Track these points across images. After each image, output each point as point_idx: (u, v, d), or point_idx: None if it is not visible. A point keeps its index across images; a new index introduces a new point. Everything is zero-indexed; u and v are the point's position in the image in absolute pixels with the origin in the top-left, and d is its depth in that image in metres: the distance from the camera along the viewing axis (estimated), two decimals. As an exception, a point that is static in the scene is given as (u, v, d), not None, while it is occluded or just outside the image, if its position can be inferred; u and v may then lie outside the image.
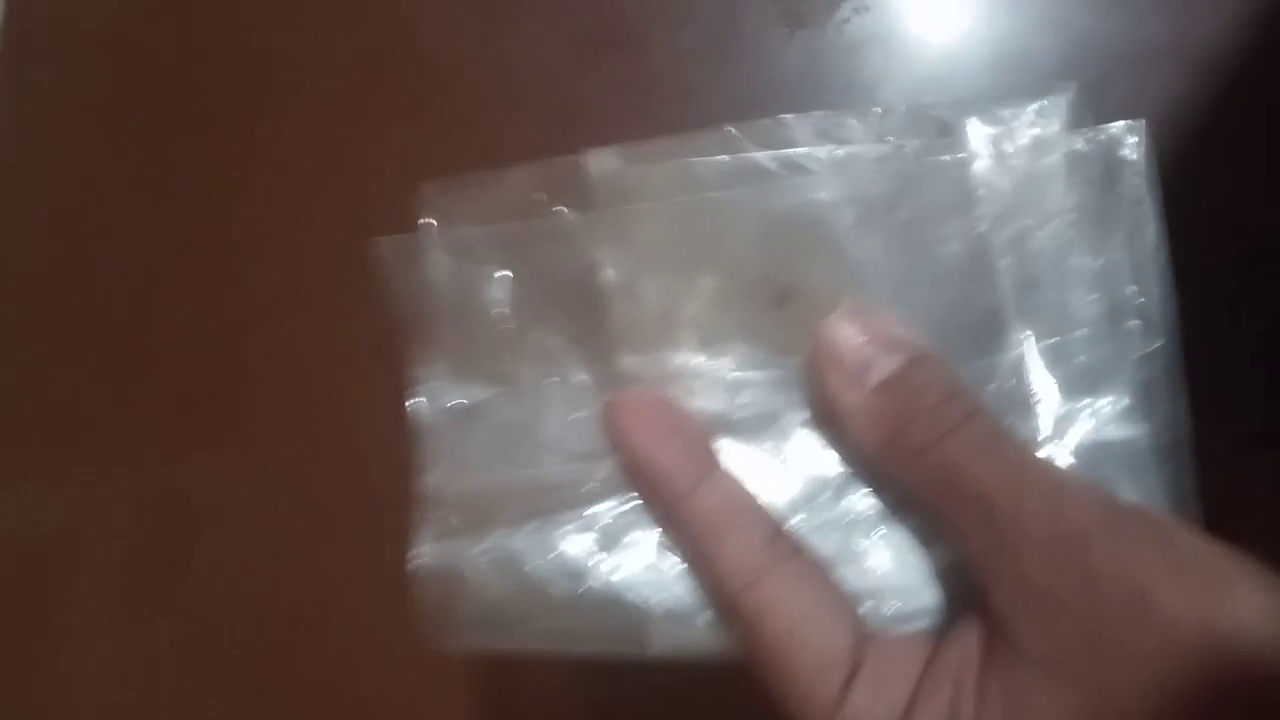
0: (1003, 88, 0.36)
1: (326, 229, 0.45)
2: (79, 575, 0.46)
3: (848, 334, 0.26)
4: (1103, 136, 0.26)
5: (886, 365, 0.25)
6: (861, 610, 0.25)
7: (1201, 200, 0.27)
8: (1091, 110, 0.27)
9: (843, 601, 0.25)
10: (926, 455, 0.24)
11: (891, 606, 0.26)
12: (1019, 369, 0.26)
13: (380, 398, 0.42)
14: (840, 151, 0.27)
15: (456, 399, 0.29)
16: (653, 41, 0.41)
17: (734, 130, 0.27)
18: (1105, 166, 0.26)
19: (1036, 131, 0.26)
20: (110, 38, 0.48)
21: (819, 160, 0.27)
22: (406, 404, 0.30)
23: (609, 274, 0.28)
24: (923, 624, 0.26)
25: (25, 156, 0.49)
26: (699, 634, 0.27)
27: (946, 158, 0.26)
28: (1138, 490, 0.25)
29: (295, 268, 0.45)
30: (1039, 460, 0.25)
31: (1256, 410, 0.32)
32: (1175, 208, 0.26)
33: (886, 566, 0.26)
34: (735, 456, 0.27)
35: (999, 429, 0.24)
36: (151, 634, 0.45)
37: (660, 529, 0.27)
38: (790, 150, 0.27)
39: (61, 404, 0.47)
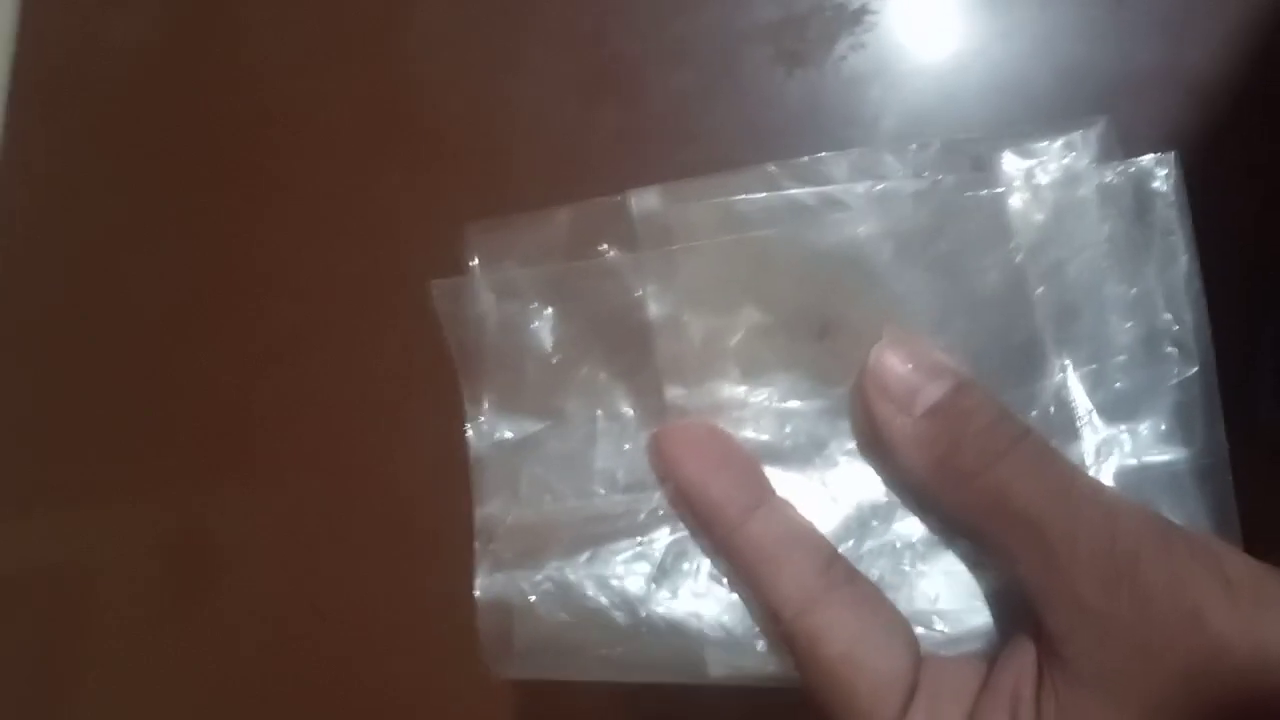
0: (1002, 117, 0.37)
1: (345, 266, 0.46)
2: (102, 608, 0.47)
3: (893, 362, 0.26)
4: (1133, 169, 0.27)
5: (934, 391, 0.26)
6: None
7: (1206, 221, 0.28)
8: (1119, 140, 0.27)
9: (898, 624, 0.26)
10: (977, 479, 0.25)
11: (943, 629, 0.26)
12: (1059, 395, 0.27)
13: (402, 433, 0.43)
14: (878, 187, 0.27)
15: (507, 433, 0.30)
16: (651, 83, 0.41)
17: (774, 168, 0.28)
18: (1136, 198, 0.27)
19: (1068, 163, 0.27)
20: (127, 82, 0.49)
21: (857, 196, 0.27)
22: (441, 439, 0.30)
23: (653, 310, 0.28)
24: (975, 646, 0.26)
25: (48, 200, 0.50)
26: (756, 659, 0.27)
27: (983, 192, 0.27)
28: (1179, 513, 0.26)
29: (315, 305, 0.46)
30: (1089, 481, 0.25)
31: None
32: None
33: (937, 590, 0.27)
34: (784, 485, 0.28)
35: (1049, 450, 0.25)
36: (174, 667, 0.46)
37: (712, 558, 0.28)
38: (829, 187, 0.28)
39: (86, 439, 0.48)
